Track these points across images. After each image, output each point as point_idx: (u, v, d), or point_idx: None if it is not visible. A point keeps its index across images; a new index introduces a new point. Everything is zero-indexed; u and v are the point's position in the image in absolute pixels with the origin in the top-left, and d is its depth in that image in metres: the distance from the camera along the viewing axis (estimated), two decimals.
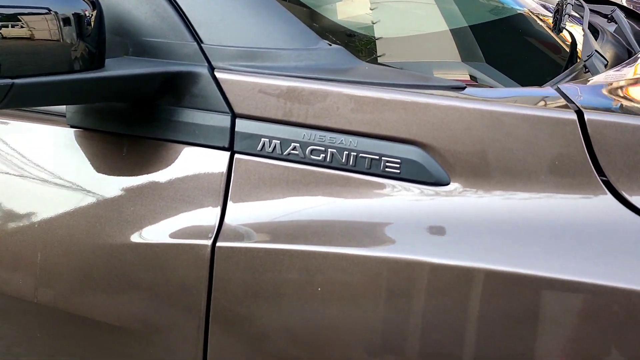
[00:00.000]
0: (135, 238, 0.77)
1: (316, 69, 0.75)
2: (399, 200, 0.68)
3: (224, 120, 0.75)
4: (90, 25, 0.70)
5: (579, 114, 0.63)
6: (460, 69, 1.07)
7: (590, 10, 1.45)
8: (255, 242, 0.71)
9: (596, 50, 0.96)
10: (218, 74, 0.76)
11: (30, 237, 0.82)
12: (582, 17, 1.29)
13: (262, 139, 0.73)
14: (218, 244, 0.73)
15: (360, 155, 0.69)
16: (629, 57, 1.15)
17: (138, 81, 0.74)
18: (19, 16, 0.66)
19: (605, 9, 1.60)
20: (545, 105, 0.70)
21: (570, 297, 0.59)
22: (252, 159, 0.74)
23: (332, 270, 0.67)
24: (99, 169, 0.81)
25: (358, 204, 0.69)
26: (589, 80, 0.85)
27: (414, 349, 0.64)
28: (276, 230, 0.71)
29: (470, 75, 1.05)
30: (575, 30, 1.28)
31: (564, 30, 1.22)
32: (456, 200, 0.66)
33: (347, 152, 0.70)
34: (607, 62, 0.97)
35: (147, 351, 0.78)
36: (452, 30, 1.13)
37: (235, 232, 0.73)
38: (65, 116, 0.83)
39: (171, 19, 0.78)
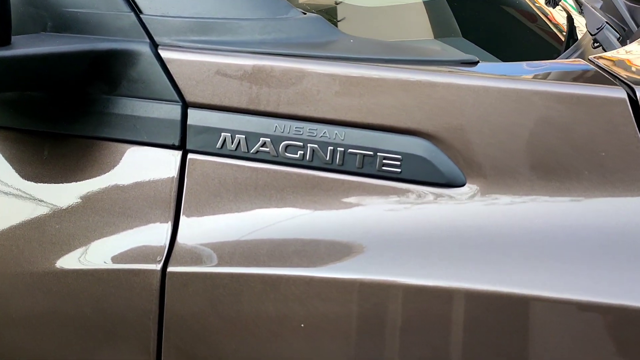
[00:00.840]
0: (63, 263, 0.60)
1: (288, 43, 0.60)
2: (400, 207, 0.53)
3: (173, 111, 0.59)
4: None
5: (631, 90, 0.49)
6: (432, 47, 0.93)
7: None
8: (216, 265, 0.56)
9: (607, 22, 0.83)
10: (163, 53, 0.59)
11: None
12: None
13: (223, 134, 0.58)
14: (169, 268, 0.57)
15: (349, 151, 0.54)
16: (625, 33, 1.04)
17: (57, 63, 0.57)
18: None
19: None
20: (584, 81, 0.57)
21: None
22: (211, 159, 0.58)
23: (317, 300, 0.52)
24: (13, 177, 0.64)
25: (348, 214, 0.54)
26: (618, 54, 0.71)
27: None
28: (243, 250, 0.55)
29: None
30: (568, 5, 1.16)
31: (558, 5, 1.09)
32: (474, 205, 0.51)
33: (331, 148, 0.55)
34: (620, 35, 0.85)
35: None
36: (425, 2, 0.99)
37: (191, 253, 0.57)
38: None
39: None
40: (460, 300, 0.49)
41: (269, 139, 0.57)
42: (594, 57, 0.61)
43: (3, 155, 0.65)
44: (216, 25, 0.60)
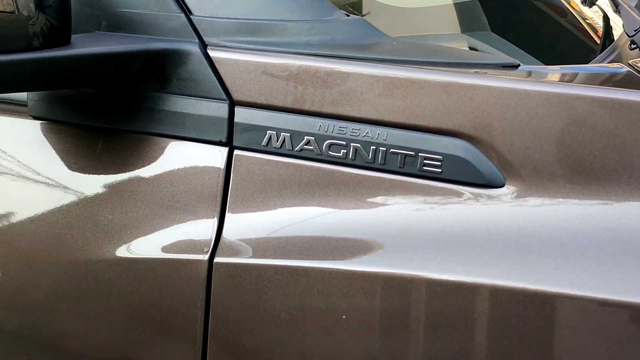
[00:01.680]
0: (115, 252, 0.64)
1: (333, 44, 0.62)
2: (441, 206, 0.55)
3: (221, 109, 0.61)
4: None
5: None
6: (460, 42, 0.94)
7: None
8: (261, 257, 0.58)
9: None
10: (212, 53, 0.62)
11: None
12: None
13: (268, 132, 0.60)
14: (216, 259, 0.60)
15: (391, 150, 0.56)
16: None
17: (112, 62, 0.60)
18: None
19: None
20: (625, 85, 0.58)
21: None
22: (256, 155, 0.61)
23: (360, 294, 0.54)
24: (68, 169, 0.67)
25: (389, 211, 0.56)
26: None
27: None
28: (287, 244, 0.58)
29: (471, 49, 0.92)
30: (604, 5, 1.16)
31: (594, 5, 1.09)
32: (513, 206, 0.53)
33: (374, 147, 0.57)
34: None
35: None
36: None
37: (237, 245, 0.60)
38: (26, 105, 0.69)
39: None
40: (498, 297, 0.50)
41: (313, 138, 0.59)
42: (634, 62, 0.62)
43: (59, 148, 0.68)
44: (263, 27, 0.63)
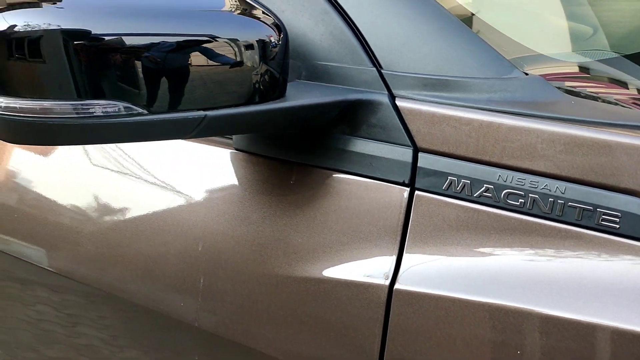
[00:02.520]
0: (302, 271, 0.74)
1: (513, 101, 0.68)
2: (617, 259, 0.59)
3: (405, 154, 0.70)
4: (275, 51, 0.67)
5: None
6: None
7: None
8: (440, 289, 0.66)
9: None
10: (400, 103, 0.70)
11: (194, 259, 0.81)
12: None
13: (449, 177, 0.67)
14: (396, 286, 0.68)
15: (569, 204, 0.62)
16: None
17: (317, 110, 0.71)
18: (207, 45, 0.63)
19: None
20: None
21: None
22: (436, 197, 0.68)
23: (535, 333, 0.60)
24: (265, 196, 0.79)
25: (565, 259, 0.61)
26: None
27: None
28: (463, 279, 0.65)
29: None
30: None
31: None
32: None
33: (552, 200, 0.62)
34: None
35: None
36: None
37: (416, 275, 0.68)
38: (231, 139, 0.81)
39: (349, 42, 0.74)
40: None
41: (492, 186, 0.65)
42: None
43: (258, 178, 0.80)
44: (447, 83, 0.70)
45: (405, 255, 0.69)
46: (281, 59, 0.68)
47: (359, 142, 0.72)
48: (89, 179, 0.94)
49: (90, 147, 0.93)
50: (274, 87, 0.68)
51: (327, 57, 0.75)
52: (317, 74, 0.75)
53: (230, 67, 0.64)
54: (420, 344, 0.66)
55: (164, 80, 0.61)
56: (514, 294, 0.62)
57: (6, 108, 0.57)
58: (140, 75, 0.60)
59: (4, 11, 0.59)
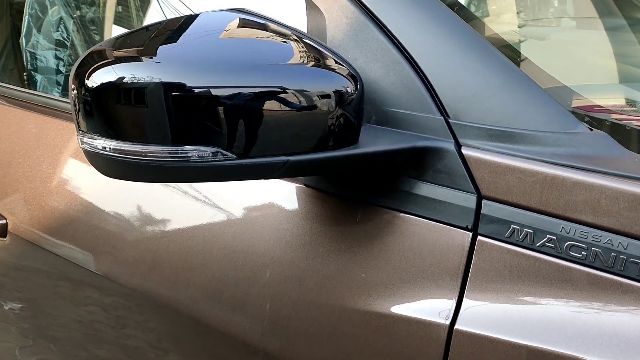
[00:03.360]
0: (365, 305, 0.78)
1: (577, 156, 0.70)
2: None
3: (469, 200, 0.73)
4: (352, 99, 0.72)
5: None
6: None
7: None
8: (499, 333, 0.69)
9: None
10: (465, 152, 0.74)
11: (261, 285, 0.87)
12: None
13: (512, 226, 0.70)
14: (456, 327, 0.71)
15: (631, 259, 0.64)
16: None
17: (388, 156, 0.75)
18: (286, 97, 0.69)
19: None
20: None
21: None
22: (498, 244, 0.71)
23: None
24: (331, 231, 0.84)
25: (625, 313, 0.63)
26: None
27: None
28: (524, 325, 0.68)
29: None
30: None
31: None
32: None
33: (614, 254, 0.65)
34: None
35: None
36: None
37: (476, 318, 0.71)
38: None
39: (418, 91, 0.78)
40: None
41: (554, 237, 0.68)
42: None
43: (325, 213, 0.85)
44: (513, 135, 0.73)
45: (465, 297, 0.72)
46: (357, 106, 0.73)
47: (425, 186, 0.76)
48: (162, 202, 1.01)
49: None
50: (350, 133, 0.73)
51: (397, 104, 0.79)
52: (386, 119, 0.80)
53: (311, 115, 0.70)
54: None
55: (251, 128, 0.67)
56: (572, 344, 0.64)
57: (114, 150, 0.64)
58: (231, 123, 0.66)
59: (112, 64, 0.66)
